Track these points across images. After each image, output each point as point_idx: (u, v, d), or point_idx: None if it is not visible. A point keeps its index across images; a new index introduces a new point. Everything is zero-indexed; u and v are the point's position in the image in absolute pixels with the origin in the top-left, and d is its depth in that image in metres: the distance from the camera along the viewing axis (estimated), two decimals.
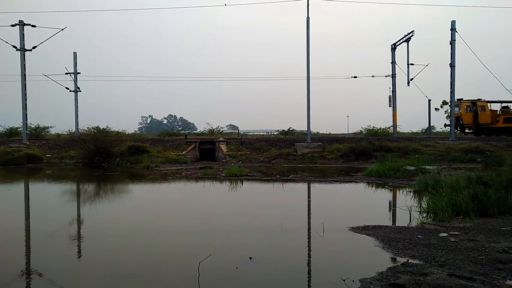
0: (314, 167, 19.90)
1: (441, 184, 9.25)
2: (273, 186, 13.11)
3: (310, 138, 26.35)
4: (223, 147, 25.77)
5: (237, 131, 52.16)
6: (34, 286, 4.34)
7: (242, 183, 13.86)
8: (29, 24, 27.27)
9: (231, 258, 5.27)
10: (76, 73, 34.48)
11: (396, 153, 22.48)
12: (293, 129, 46.54)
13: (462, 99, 31.14)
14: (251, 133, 58.59)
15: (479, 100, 30.94)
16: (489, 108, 31.04)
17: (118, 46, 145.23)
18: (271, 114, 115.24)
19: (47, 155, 24.30)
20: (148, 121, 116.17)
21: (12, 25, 27.07)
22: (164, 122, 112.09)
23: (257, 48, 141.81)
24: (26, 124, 28.55)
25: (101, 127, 24.22)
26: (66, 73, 33.96)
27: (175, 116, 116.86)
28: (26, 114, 27.91)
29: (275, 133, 53.41)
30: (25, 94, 27.57)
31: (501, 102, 31.92)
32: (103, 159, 21.27)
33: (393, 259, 4.96)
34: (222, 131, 47.86)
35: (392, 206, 9.76)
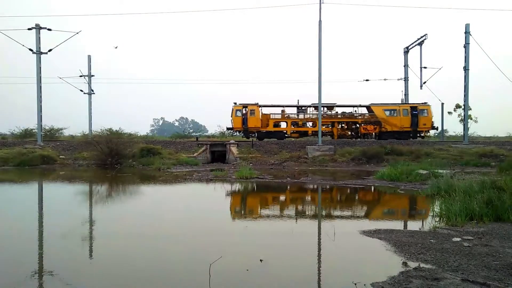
0: (325, 170, 19.84)
1: (454, 188, 9.13)
2: (284, 189, 13.10)
3: (321, 141, 26.26)
4: (234, 149, 25.84)
5: None
6: (46, 284, 4.42)
7: (253, 186, 13.88)
8: (45, 28, 27.74)
9: (241, 260, 5.29)
10: (90, 76, 34.95)
11: (408, 156, 22.29)
12: None
13: (236, 103, 31.51)
14: None
15: (255, 104, 31.09)
16: (261, 112, 31.25)
17: (130, 48, 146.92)
18: None
19: (61, 156, 24.66)
20: (160, 123, 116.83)
21: (29, 29, 27.57)
22: (175, 124, 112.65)
23: (269, 51, 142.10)
24: (41, 125, 29.00)
25: (114, 129, 24.50)
26: (81, 76, 34.46)
27: (186, 118, 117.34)
28: (41, 116, 28.38)
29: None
30: (40, 96, 28.01)
31: (281, 106, 32.19)
32: (116, 160, 21.50)
33: (405, 264, 4.92)
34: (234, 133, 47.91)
35: (404, 210, 9.68)
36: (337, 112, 31.83)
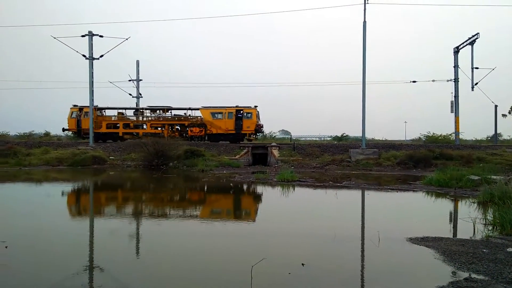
0: (369, 174, 19.37)
1: (508, 195, 8.61)
2: (326, 193, 12.94)
3: (365, 144, 25.68)
4: (275, 152, 25.87)
5: (290, 137, 52.07)
6: (96, 277, 4.67)
7: (294, 189, 13.83)
8: (97, 35, 29.31)
9: (283, 263, 5.29)
10: (138, 80, 36.46)
11: (458, 161, 21.29)
12: (347, 135, 45.64)
13: (76, 105, 32.29)
14: (304, 139, 58.20)
15: (95, 106, 31.20)
16: (96, 114, 31.76)
17: (177, 52, 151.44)
18: (324, 119, 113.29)
19: (110, 157, 25.86)
20: None
21: (82, 36, 29.25)
22: None
23: (310, 53, 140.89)
24: (93, 127, 30.62)
25: None
26: (129, 80, 36.08)
27: None
28: (93, 118, 29.94)
29: (328, 138, 52.69)
30: (93, 100, 29.58)
31: (120, 109, 33.01)
32: (161, 161, 22.24)
33: (455, 274, 4.70)
34: (275, 136, 48.14)
35: (454, 217, 9.25)
36: (175, 115, 32.89)
